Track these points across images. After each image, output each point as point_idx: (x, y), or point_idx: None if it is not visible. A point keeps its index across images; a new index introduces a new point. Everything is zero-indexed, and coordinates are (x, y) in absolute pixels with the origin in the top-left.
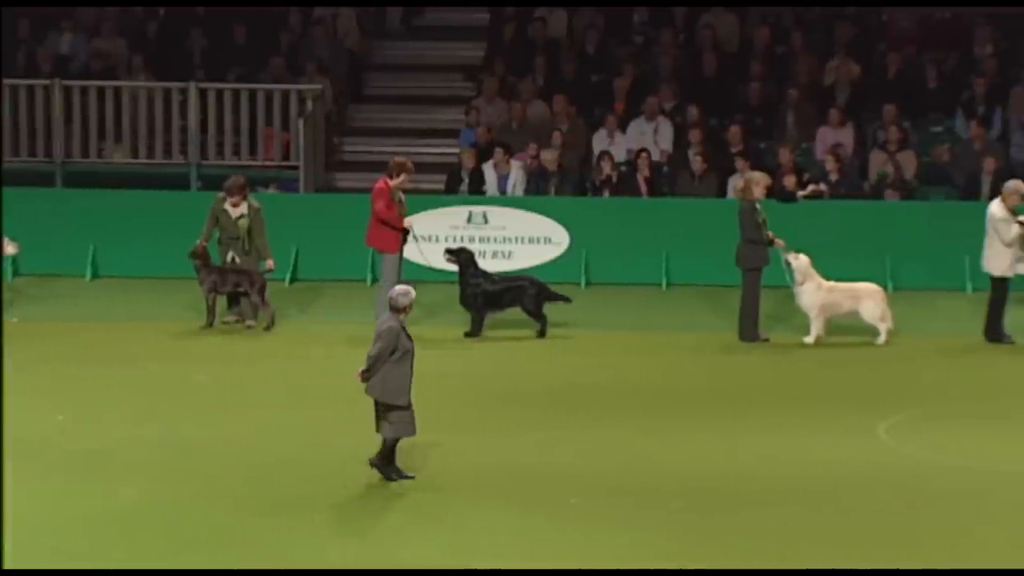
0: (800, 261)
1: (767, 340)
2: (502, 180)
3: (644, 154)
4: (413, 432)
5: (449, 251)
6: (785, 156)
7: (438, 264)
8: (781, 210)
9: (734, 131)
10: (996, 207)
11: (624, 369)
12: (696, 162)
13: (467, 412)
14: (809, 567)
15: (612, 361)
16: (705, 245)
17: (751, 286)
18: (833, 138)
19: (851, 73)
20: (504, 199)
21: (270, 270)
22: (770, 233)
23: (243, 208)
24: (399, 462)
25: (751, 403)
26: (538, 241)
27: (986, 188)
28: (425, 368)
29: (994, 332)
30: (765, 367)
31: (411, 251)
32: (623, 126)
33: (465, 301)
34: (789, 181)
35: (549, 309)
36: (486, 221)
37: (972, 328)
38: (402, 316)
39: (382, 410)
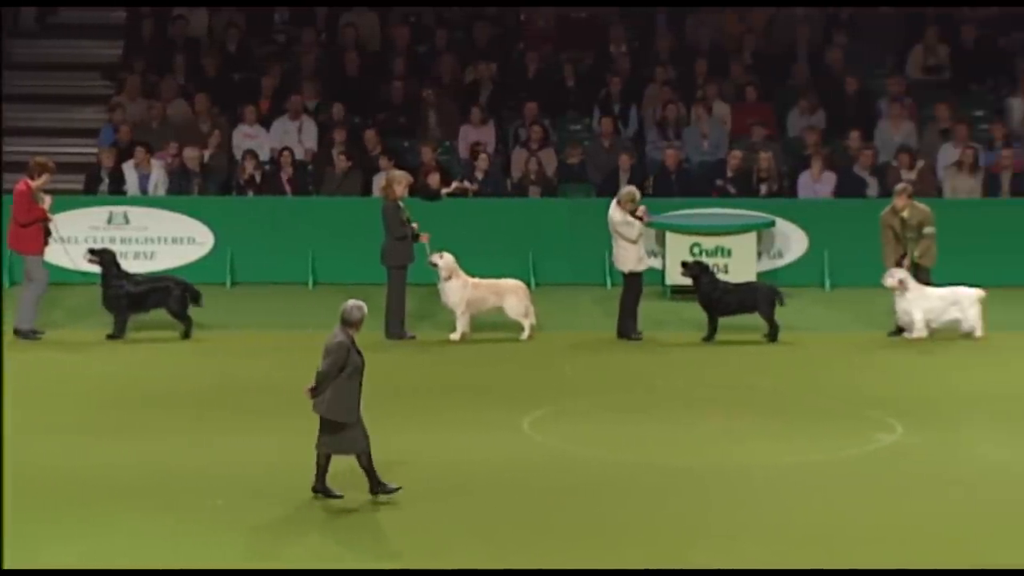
0: (445, 259)
1: (413, 337)
2: (143, 180)
3: (287, 153)
4: (356, 450)
5: (92, 252)
6: (428, 155)
7: (84, 266)
8: (425, 208)
9: (376, 130)
10: (615, 211)
11: (272, 369)
12: (340, 161)
13: (110, 415)
14: (460, 561)
15: (260, 361)
16: (351, 244)
17: (396, 284)
18: (475, 137)
19: (491, 72)
20: (145, 199)
21: None
22: (415, 227)
23: None
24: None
25: (397, 401)
26: (181, 241)
27: (623, 185)
28: (68, 371)
29: (626, 328)
30: (411, 364)
31: (57, 253)
32: (266, 125)
33: (108, 303)
34: (433, 179)
35: (194, 311)
36: (127, 221)
37: (611, 324)
38: (352, 331)
39: (325, 426)
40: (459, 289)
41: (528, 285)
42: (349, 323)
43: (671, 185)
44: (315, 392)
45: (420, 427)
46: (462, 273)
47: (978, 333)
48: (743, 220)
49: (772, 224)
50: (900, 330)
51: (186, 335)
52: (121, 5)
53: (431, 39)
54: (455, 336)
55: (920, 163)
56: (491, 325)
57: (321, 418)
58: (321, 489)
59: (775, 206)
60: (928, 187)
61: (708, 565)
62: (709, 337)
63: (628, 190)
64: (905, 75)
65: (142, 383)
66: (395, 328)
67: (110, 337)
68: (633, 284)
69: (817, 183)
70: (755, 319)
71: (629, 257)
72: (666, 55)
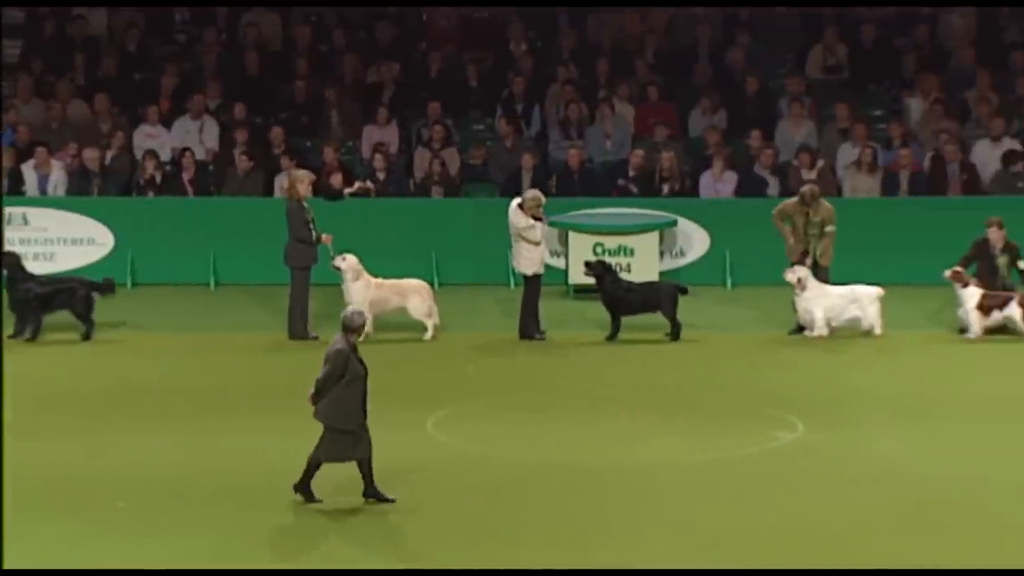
0: (348, 261)
1: (316, 338)
2: (43, 180)
3: (189, 153)
4: (354, 457)
5: None
6: (330, 155)
7: None
8: (328, 208)
9: (279, 130)
10: (518, 216)
11: (174, 370)
12: (242, 161)
13: (11, 417)
14: (360, 562)
15: (161, 363)
16: (253, 244)
17: (300, 284)
18: (379, 137)
19: (394, 72)
20: (44, 200)
21: None
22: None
23: None
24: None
25: (300, 402)
26: (81, 242)
27: (526, 185)
28: None
29: (528, 329)
30: (314, 365)
31: None
32: (167, 125)
33: (16, 306)
34: (336, 179)
35: (96, 311)
36: (26, 222)
37: (515, 324)
38: (354, 337)
39: (330, 434)
40: (362, 289)
41: (431, 285)
42: (350, 329)
43: (574, 185)
44: (315, 399)
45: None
46: (365, 273)
47: (877, 331)
48: (645, 220)
49: (674, 223)
50: (801, 328)
51: (87, 337)
52: (19, 5)
53: (333, 39)
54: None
55: (820, 163)
56: (394, 325)
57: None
58: (303, 491)
59: (677, 205)
60: (828, 186)
61: (611, 564)
62: (612, 336)
63: (533, 194)
64: (805, 75)
65: (41, 385)
66: (298, 329)
67: (13, 337)
68: (533, 285)
69: (719, 182)
70: (658, 318)
71: (531, 259)
72: (568, 55)
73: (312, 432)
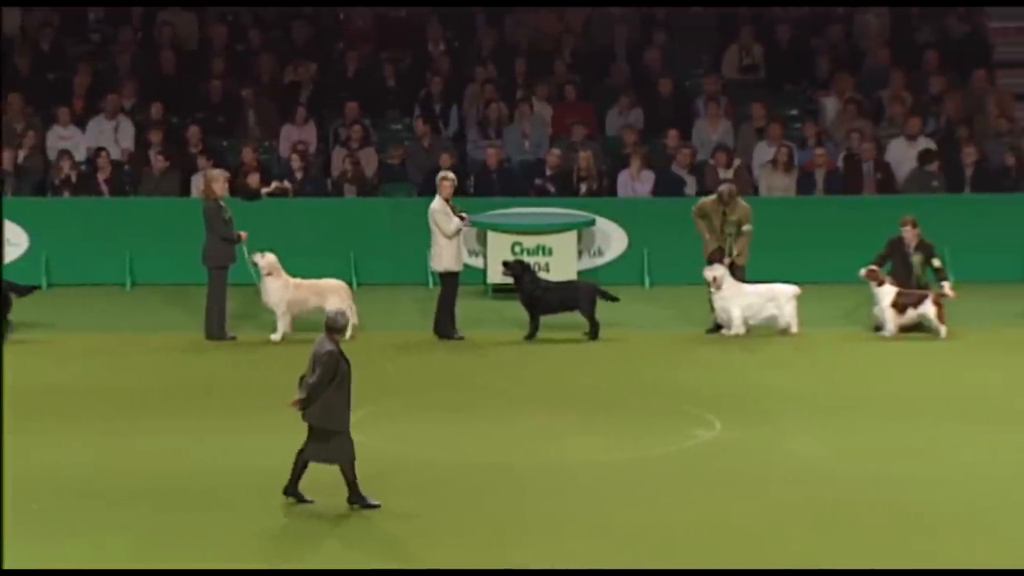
0: (266, 258)
1: (234, 338)
2: None
3: (104, 153)
4: (341, 460)
5: None
6: (248, 154)
7: None
8: (246, 208)
9: (195, 130)
10: (436, 202)
11: (89, 371)
12: (157, 161)
13: None
14: (273, 563)
15: (77, 363)
16: (170, 244)
17: (217, 284)
18: (297, 136)
19: (311, 72)
20: None
21: None
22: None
23: None
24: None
25: (217, 402)
26: None
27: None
28: None
29: (444, 328)
30: (232, 365)
31: None
32: (82, 125)
33: None
34: (253, 179)
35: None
36: None
37: (430, 323)
38: (339, 337)
39: (319, 435)
40: (280, 289)
41: (349, 285)
42: (336, 329)
43: (492, 184)
44: (304, 403)
45: (241, 429)
46: (283, 273)
47: (794, 329)
48: (564, 219)
49: (592, 223)
50: (718, 327)
51: (1, 338)
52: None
53: (249, 38)
54: (276, 337)
55: (737, 162)
56: (313, 325)
57: (310, 426)
58: (293, 493)
59: (595, 205)
60: (744, 185)
61: (528, 563)
62: (531, 335)
63: (443, 174)
64: (721, 75)
65: None
66: (215, 329)
67: None
68: (450, 283)
69: (636, 182)
70: (576, 317)
71: (445, 256)
72: (486, 54)
73: (229, 432)
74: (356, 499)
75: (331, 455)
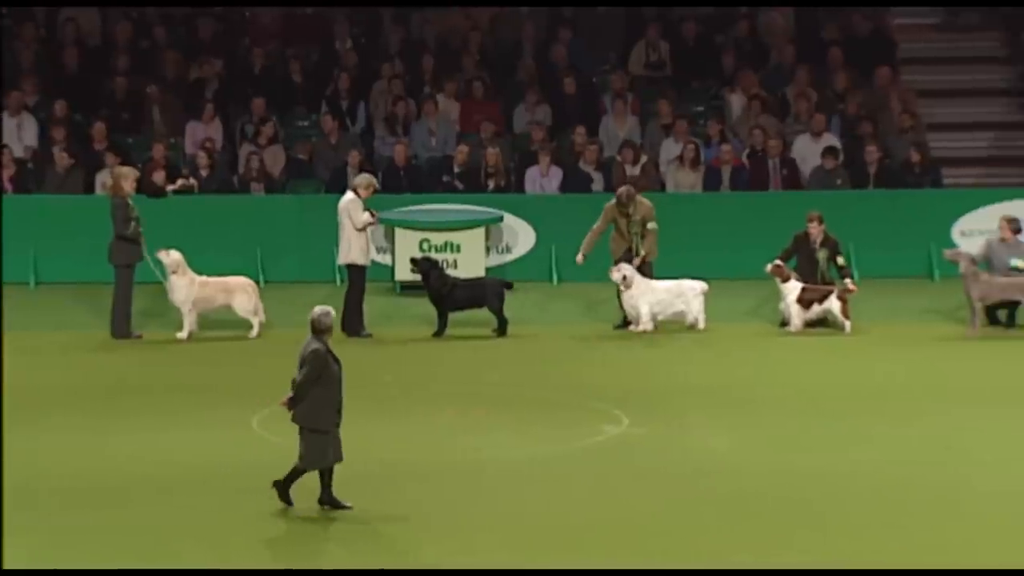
0: (172, 256)
1: (140, 337)
2: None
3: (7, 151)
4: (339, 458)
5: None
6: (156, 151)
7: None
8: (152, 205)
9: (100, 127)
10: (350, 196)
11: None
12: (62, 158)
13: None
14: (183, 563)
15: None
16: (74, 242)
17: (123, 282)
18: (203, 133)
19: (217, 68)
20: None
21: None
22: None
23: None
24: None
25: (125, 400)
26: None
27: (352, 181)
28: None
29: (352, 325)
30: (139, 364)
31: None
32: None
33: None
34: (159, 176)
35: None
36: None
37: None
38: (327, 337)
39: (304, 437)
40: (186, 287)
41: (257, 282)
42: (322, 331)
43: (400, 181)
44: (293, 402)
45: (148, 426)
46: (189, 271)
47: (701, 325)
48: (471, 216)
49: (500, 219)
50: (627, 323)
51: None
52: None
53: (154, 35)
54: (182, 334)
55: (644, 158)
56: (220, 323)
57: (301, 429)
58: (282, 492)
59: (503, 201)
60: (651, 182)
61: (439, 562)
62: (439, 332)
63: (367, 179)
64: (628, 71)
65: None
66: (121, 327)
67: None
68: (357, 279)
69: (544, 178)
70: (485, 314)
71: (354, 248)
72: (393, 51)
73: (136, 430)
74: (328, 500)
75: (321, 457)
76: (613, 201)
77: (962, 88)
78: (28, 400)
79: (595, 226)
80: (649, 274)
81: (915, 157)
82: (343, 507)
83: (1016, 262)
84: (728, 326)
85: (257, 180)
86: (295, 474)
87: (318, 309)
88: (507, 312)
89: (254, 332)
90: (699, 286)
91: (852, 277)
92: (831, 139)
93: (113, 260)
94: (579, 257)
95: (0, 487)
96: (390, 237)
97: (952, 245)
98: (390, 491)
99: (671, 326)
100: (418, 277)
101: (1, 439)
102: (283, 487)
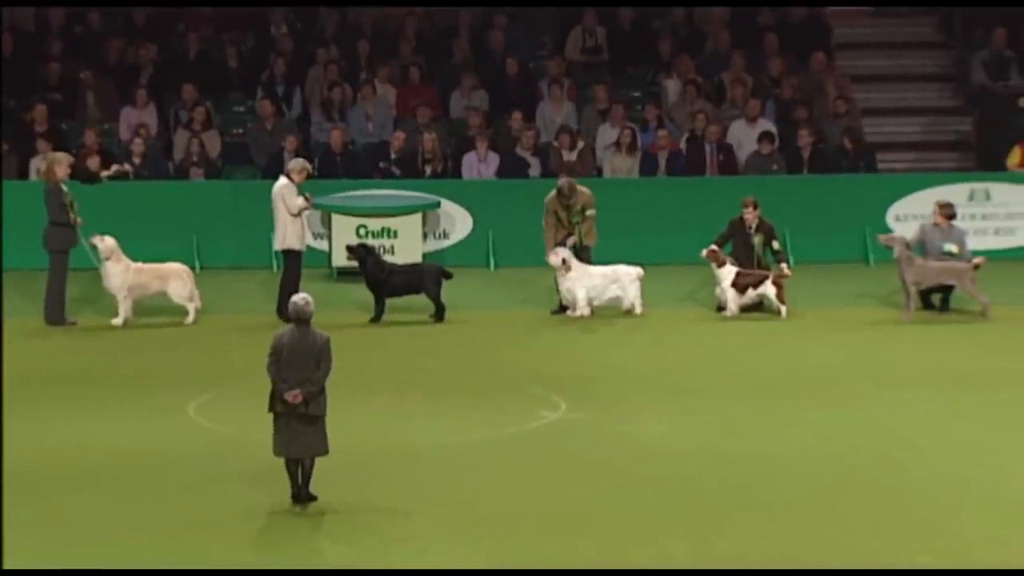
0: (106, 242)
1: (74, 323)
2: None
3: None
4: (324, 451)
5: None
6: (90, 137)
7: None
8: (86, 191)
9: (41, 110)
10: (283, 181)
11: None
12: None
13: None
14: (120, 552)
15: None
16: (8, 228)
17: (57, 268)
18: (137, 119)
19: (152, 53)
20: None
21: None
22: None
23: None
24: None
25: (60, 388)
26: None
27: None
28: None
29: (286, 310)
30: (73, 351)
31: None
32: None
33: None
34: (93, 162)
35: None
36: None
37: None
38: (308, 326)
39: (308, 424)
40: (121, 273)
41: (192, 269)
42: (304, 320)
43: (336, 167)
44: (310, 394)
45: (83, 414)
46: (124, 257)
47: (638, 310)
48: (408, 201)
49: (437, 205)
50: (563, 308)
51: None
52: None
53: (87, 20)
54: (117, 321)
55: (580, 144)
56: (155, 309)
57: (313, 419)
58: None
59: (440, 187)
60: (588, 167)
61: (376, 549)
62: (376, 318)
63: (301, 163)
64: (564, 57)
65: None
66: (55, 314)
67: None
68: (292, 264)
69: (481, 164)
70: (422, 299)
71: (289, 233)
72: (329, 36)
73: (69, 420)
74: (302, 492)
75: (321, 446)
76: (554, 193)
77: (896, 73)
78: None
79: (544, 225)
80: (588, 260)
81: (849, 143)
82: (315, 498)
83: (949, 247)
84: (664, 311)
85: (197, 165)
86: (310, 472)
87: (300, 298)
88: (444, 298)
89: (190, 318)
90: (635, 271)
91: (787, 262)
92: (766, 124)
93: (47, 246)
94: (549, 257)
95: (1, 488)
96: (327, 223)
97: (887, 230)
98: (325, 478)
99: (608, 311)
100: (355, 263)
101: (1, 439)
102: (305, 490)
